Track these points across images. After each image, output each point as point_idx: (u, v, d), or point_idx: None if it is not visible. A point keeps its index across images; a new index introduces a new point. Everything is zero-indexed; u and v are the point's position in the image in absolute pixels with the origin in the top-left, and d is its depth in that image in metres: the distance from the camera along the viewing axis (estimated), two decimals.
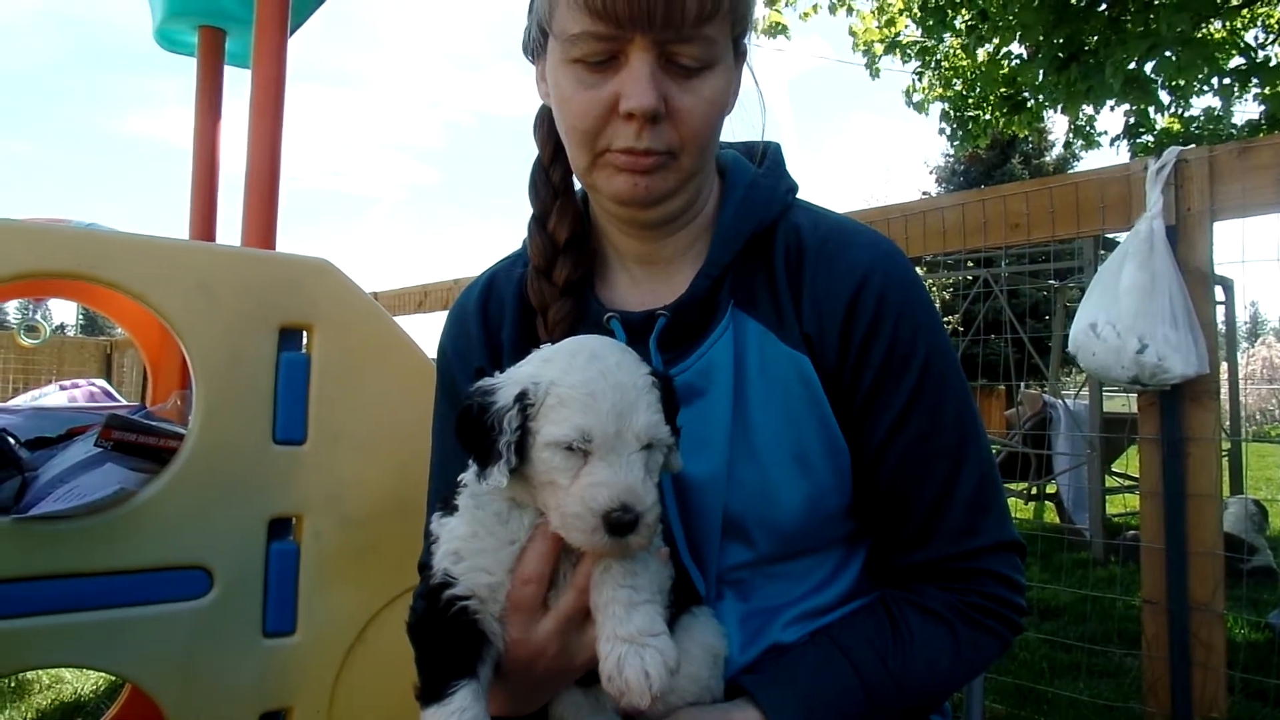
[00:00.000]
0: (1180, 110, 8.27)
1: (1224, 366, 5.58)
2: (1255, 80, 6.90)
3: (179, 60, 3.13)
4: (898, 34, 9.23)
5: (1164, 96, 7.65)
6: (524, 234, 1.18)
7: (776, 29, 9.25)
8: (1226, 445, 5.73)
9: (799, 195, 1.13)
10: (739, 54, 1.04)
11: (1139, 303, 2.46)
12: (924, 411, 1.02)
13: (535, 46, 1.05)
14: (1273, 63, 7.05)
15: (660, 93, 0.93)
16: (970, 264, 5.96)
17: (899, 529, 1.05)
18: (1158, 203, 2.50)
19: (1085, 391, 6.69)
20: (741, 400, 1.03)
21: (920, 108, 9.67)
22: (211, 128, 2.98)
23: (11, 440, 1.67)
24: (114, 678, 2.85)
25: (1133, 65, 6.62)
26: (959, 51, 9.01)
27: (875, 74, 9.52)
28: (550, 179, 1.11)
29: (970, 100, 9.20)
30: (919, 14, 8.58)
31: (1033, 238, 2.96)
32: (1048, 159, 28.09)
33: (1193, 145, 2.59)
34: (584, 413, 0.83)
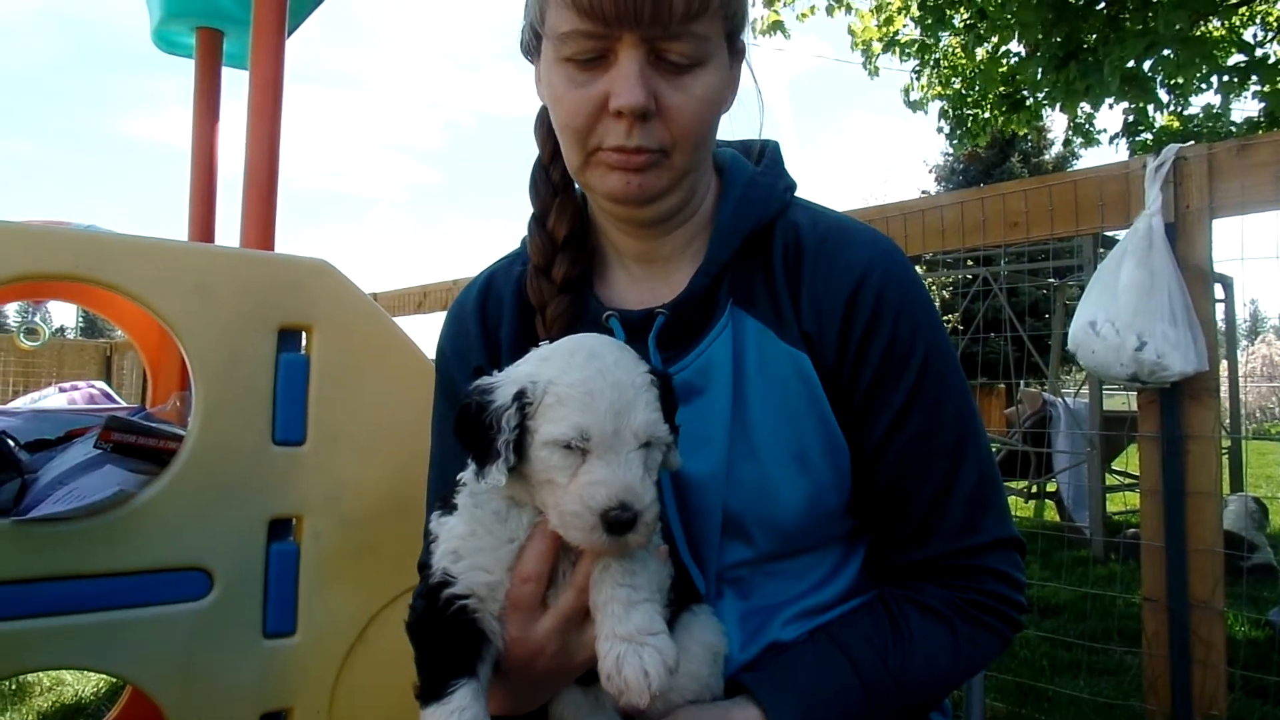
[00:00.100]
0: (1179, 108, 8.28)
1: (1224, 364, 5.58)
2: (1254, 77, 6.90)
3: (178, 61, 3.13)
4: (896, 32, 9.22)
5: (1163, 94, 7.65)
6: (524, 234, 1.18)
7: (775, 28, 9.25)
8: (1226, 443, 5.74)
9: (798, 194, 1.14)
10: (735, 51, 1.04)
11: (1138, 300, 2.46)
12: (923, 409, 1.02)
13: (530, 47, 1.06)
14: (1271, 60, 7.05)
15: (649, 90, 0.93)
16: (969, 262, 5.95)
17: (898, 527, 1.05)
18: (1156, 200, 2.50)
19: (1085, 389, 6.69)
20: (740, 398, 1.03)
21: (919, 106, 9.67)
22: (210, 129, 2.98)
23: (11, 442, 1.67)
24: (114, 679, 2.85)
25: (1131, 63, 6.63)
26: (957, 50, 9.01)
27: (874, 73, 9.53)
28: (550, 178, 1.11)
29: (969, 99, 9.21)
30: (917, 12, 8.58)
31: (1032, 236, 2.96)
32: (1047, 157, 28.09)
33: (1192, 143, 2.58)
34: (582, 411, 0.83)
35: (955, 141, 9.62)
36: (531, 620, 0.90)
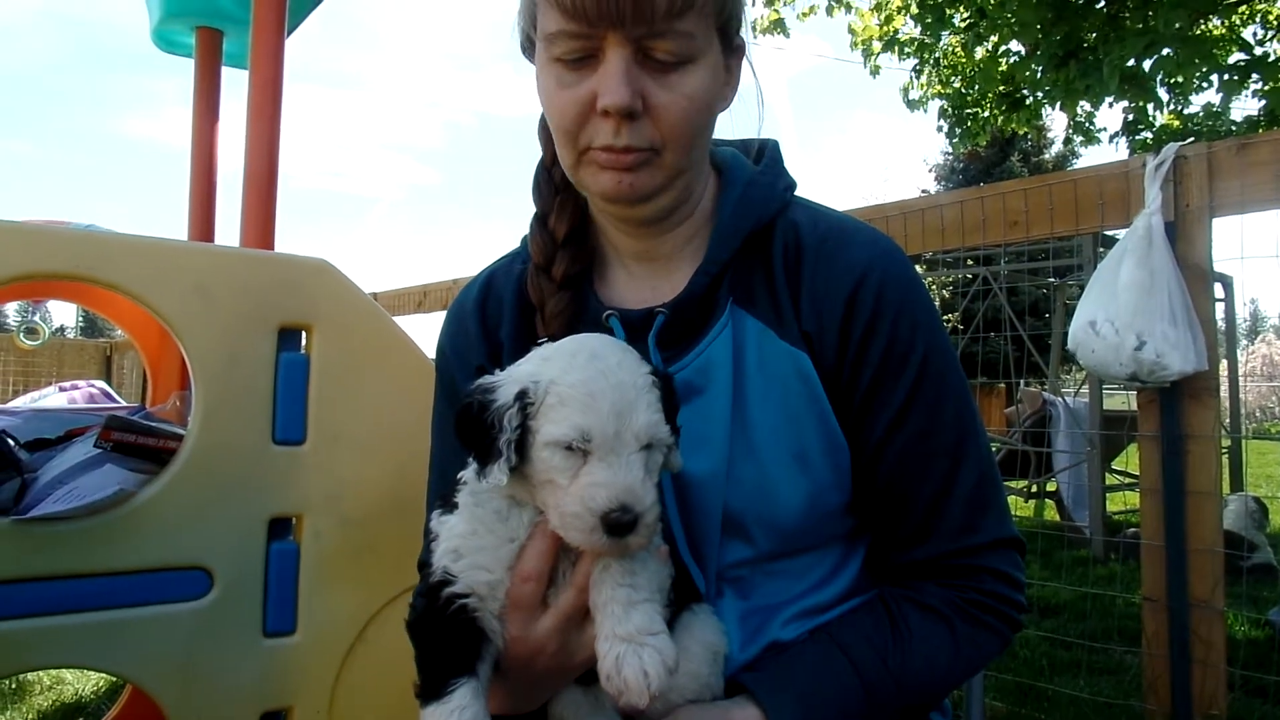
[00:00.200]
0: (1179, 107, 8.27)
1: (1224, 364, 5.58)
2: (1255, 76, 6.90)
3: (178, 61, 3.13)
4: (896, 31, 9.22)
5: (1162, 93, 7.65)
6: (524, 234, 1.19)
7: (775, 27, 9.25)
8: (1226, 442, 5.73)
9: (798, 193, 1.14)
10: (731, 48, 1.04)
11: (1137, 300, 2.46)
12: (923, 409, 1.02)
13: (527, 48, 1.06)
14: (1272, 58, 7.04)
15: (635, 89, 0.93)
16: (969, 262, 5.96)
17: (898, 526, 1.05)
18: (1156, 199, 2.50)
19: (1085, 389, 6.69)
20: (740, 397, 1.03)
21: (918, 105, 9.67)
22: (209, 128, 2.98)
23: (11, 442, 1.67)
24: (114, 679, 2.85)
25: (1131, 62, 6.62)
26: (957, 49, 9.01)
27: (874, 72, 9.52)
28: (553, 178, 1.12)
29: (969, 98, 9.20)
30: (917, 11, 8.57)
31: (1032, 235, 2.96)
32: (1047, 156, 28.08)
33: (1191, 140, 2.58)
34: (584, 412, 0.82)
35: (955, 141, 9.61)
36: (532, 619, 0.90)
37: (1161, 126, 8.48)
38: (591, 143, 0.97)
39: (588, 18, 0.92)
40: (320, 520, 1.56)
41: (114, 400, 2.64)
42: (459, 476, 0.94)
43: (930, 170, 31.05)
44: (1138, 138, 8.41)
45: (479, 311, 1.17)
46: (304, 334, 1.58)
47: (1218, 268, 2.68)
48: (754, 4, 9.13)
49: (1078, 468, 6.00)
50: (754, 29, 9.13)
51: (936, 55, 9.13)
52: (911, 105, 9.68)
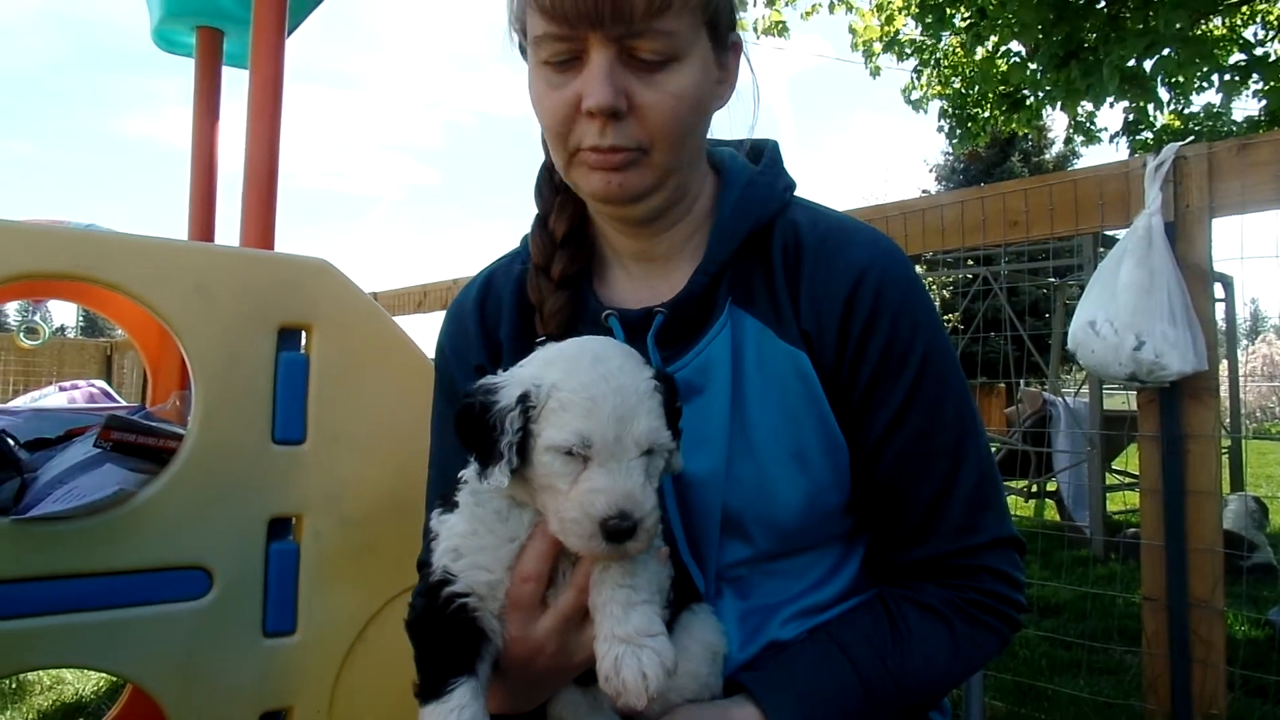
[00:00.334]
0: (1180, 107, 8.27)
1: (1224, 364, 5.58)
2: (1255, 76, 6.90)
3: (178, 61, 3.13)
4: (897, 31, 9.22)
5: (1163, 93, 7.64)
6: (524, 234, 1.19)
7: (776, 27, 9.24)
8: (1226, 442, 5.74)
9: (797, 193, 1.14)
10: (724, 45, 1.03)
11: (1137, 300, 2.46)
12: (922, 409, 1.02)
13: (522, 52, 1.06)
14: (1272, 58, 7.04)
15: (618, 89, 0.94)
16: (970, 262, 5.96)
17: (898, 526, 1.05)
18: (1156, 199, 2.50)
19: (1085, 389, 6.69)
20: (740, 397, 1.03)
21: (919, 105, 9.67)
22: (210, 128, 2.98)
23: (11, 441, 1.67)
24: (115, 678, 2.85)
25: (1132, 62, 6.62)
26: (958, 49, 9.01)
27: (875, 72, 9.53)
28: (553, 180, 1.12)
29: (969, 98, 9.21)
30: (918, 11, 8.57)
31: (1032, 235, 2.96)
32: (1047, 156, 28.08)
33: (1191, 139, 2.58)
34: (585, 417, 0.82)
35: (955, 141, 9.62)
36: (531, 619, 0.90)
37: (1162, 126, 8.48)
38: (580, 144, 0.98)
39: (568, 19, 0.92)
40: (320, 520, 1.56)
41: (114, 400, 2.64)
42: (459, 476, 0.94)
43: (931, 170, 31.11)
44: (1138, 138, 8.41)
45: (478, 311, 1.17)
46: (304, 334, 1.58)
47: (1218, 268, 2.68)
48: (755, 4, 9.13)
49: (1078, 468, 6.00)
50: (755, 29, 9.13)
51: (937, 56, 9.14)
52: (913, 106, 9.68)
